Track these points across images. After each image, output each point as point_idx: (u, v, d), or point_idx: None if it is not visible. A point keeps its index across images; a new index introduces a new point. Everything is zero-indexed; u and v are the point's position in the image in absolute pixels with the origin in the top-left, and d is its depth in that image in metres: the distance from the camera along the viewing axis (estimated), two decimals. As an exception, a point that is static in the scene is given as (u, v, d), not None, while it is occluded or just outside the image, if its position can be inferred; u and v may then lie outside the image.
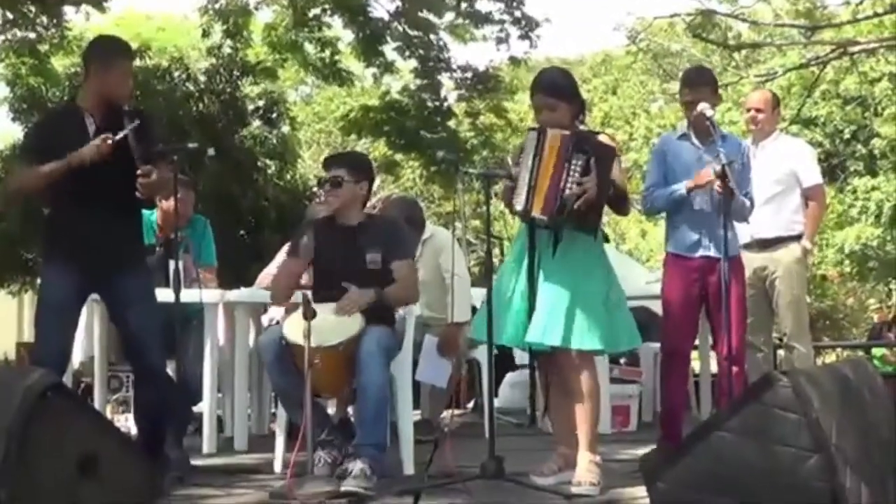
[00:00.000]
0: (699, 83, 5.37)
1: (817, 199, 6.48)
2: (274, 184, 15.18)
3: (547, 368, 4.94)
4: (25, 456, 3.49)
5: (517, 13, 13.00)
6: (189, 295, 5.35)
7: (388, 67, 13.81)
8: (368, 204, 5.49)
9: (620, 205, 4.98)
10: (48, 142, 4.83)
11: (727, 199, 4.94)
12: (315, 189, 14.40)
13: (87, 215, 4.74)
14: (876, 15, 15.50)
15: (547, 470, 4.80)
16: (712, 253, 5.14)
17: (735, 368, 5.01)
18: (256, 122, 15.37)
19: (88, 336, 6.26)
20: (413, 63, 13.82)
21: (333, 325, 4.79)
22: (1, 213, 13.79)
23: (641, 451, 5.46)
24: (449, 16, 13.33)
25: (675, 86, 5.37)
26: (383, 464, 4.78)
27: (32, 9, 12.16)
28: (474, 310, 5.99)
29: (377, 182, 13.94)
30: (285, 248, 5.83)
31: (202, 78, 14.84)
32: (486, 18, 13.15)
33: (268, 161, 15.27)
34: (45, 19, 12.43)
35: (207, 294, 5.81)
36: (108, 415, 6.13)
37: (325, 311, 4.78)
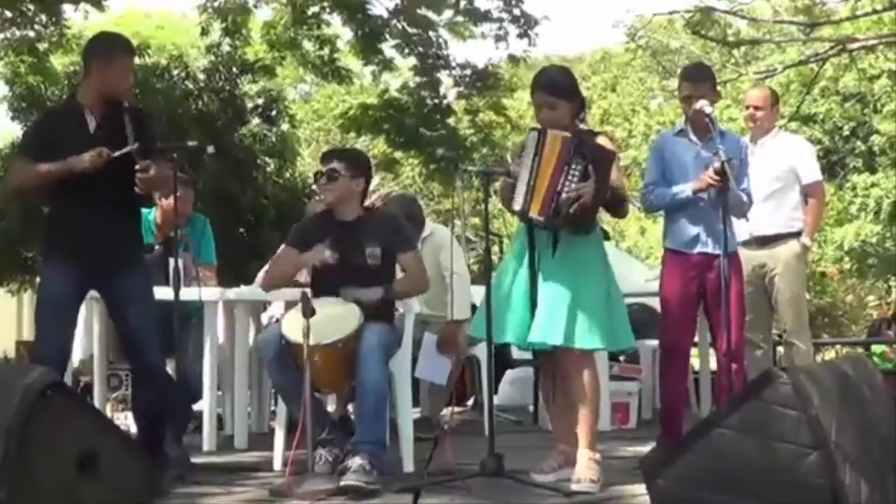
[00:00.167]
0: (699, 78, 5.38)
1: (817, 195, 6.48)
2: (273, 182, 15.18)
3: (549, 366, 4.94)
4: (25, 454, 3.49)
5: (516, 11, 12.98)
6: (188, 293, 5.35)
7: (387, 65, 13.78)
8: (367, 202, 5.48)
9: (618, 208, 4.99)
10: (48, 139, 4.84)
11: (725, 196, 4.94)
12: (313, 185, 14.43)
13: (87, 213, 4.74)
14: (875, 12, 15.48)
15: (547, 467, 4.81)
16: (710, 249, 5.14)
17: (734, 365, 5.01)
18: (256, 120, 15.37)
19: (88, 334, 6.26)
20: (412, 60, 13.79)
21: (332, 322, 4.79)
22: (0, 211, 13.79)
23: (641, 448, 5.47)
24: (448, 13, 13.31)
25: (674, 83, 5.38)
26: (383, 461, 4.78)
27: (31, 7, 12.14)
28: (474, 307, 5.99)
29: (376, 180, 13.93)
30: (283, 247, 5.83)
31: (201, 76, 14.83)
32: (484, 16, 13.12)
33: (267, 159, 15.27)
34: (44, 18, 12.40)
35: (207, 292, 5.80)
36: (108, 413, 6.14)
37: (323, 307, 4.78)
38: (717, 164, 4.91)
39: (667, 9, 14.43)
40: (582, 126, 4.91)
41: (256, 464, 5.45)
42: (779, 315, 6.34)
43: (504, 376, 8.50)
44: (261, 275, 6.65)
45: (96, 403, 6.07)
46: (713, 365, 6.59)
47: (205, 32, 13.77)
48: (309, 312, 4.58)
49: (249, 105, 15.29)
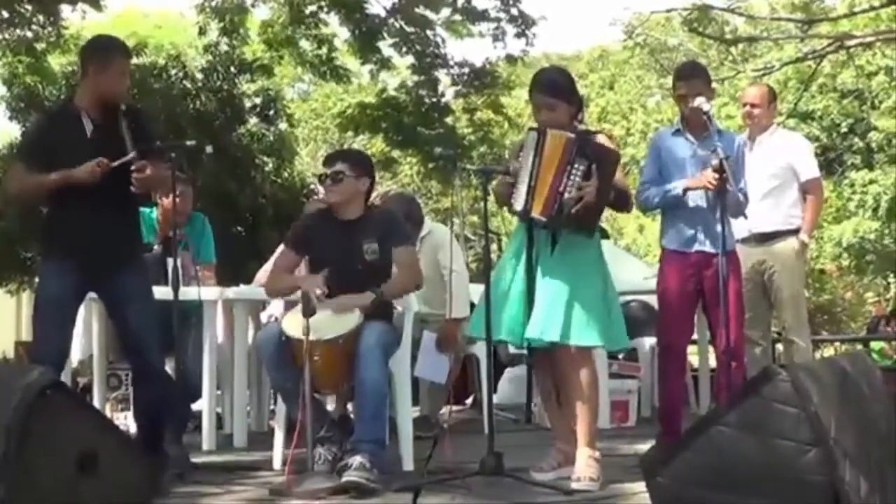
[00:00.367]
0: (692, 76, 5.38)
1: (815, 192, 6.47)
2: (271, 181, 15.18)
3: (545, 364, 4.94)
4: (25, 454, 3.49)
5: (513, 10, 12.99)
6: (188, 292, 5.35)
7: (385, 64, 13.80)
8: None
9: (622, 205, 5.00)
10: (45, 142, 4.84)
11: (723, 194, 4.94)
12: (313, 186, 14.43)
13: (85, 213, 4.74)
14: (872, 9, 15.51)
15: (546, 466, 4.81)
16: (708, 248, 5.15)
17: (734, 363, 5.01)
18: (254, 120, 15.37)
19: (87, 335, 6.26)
20: (410, 59, 13.81)
21: (332, 319, 4.79)
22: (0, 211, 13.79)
23: (640, 446, 5.47)
24: (445, 12, 13.32)
25: (672, 81, 5.38)
26: (382, 459, 4.78)
27: (29, 7, 12.14)
28: (472, 306, 5.99)
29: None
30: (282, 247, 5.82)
31: (199, 75, 14.83)
32: (482, 15, 13.13)
33: (265, 158, 15.27)
34: (41, 18, 12.41)
35: (206, 291, 5.81)
36: (108, 413, 6.13)
37: (323, 306, 4.78)
38: (715, 162, 4.91)
39: (665, 6, 14.46)
40: (580, 126, 4.92)
41: (256, 463, 5.45)
42: (778, 312, 6.34)
43: (503, 375, 8.50)
44: (260, 274, 6.65)
45: (96, 403, 6.07)
46: (712, 363, 6.59)
47: (202, 32, 13.78)
48: (309, 312, 4.58)
49: (247, 104, 15.29)
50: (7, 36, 12.71)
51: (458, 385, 7.28)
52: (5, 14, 12.15)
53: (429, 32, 13.36)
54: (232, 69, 14.78)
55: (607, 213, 5.27)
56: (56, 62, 14.09)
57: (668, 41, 24.30)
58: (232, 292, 6.22)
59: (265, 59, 14.61)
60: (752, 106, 6.44)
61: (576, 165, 4.60)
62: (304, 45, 13.93)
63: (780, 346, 7.35)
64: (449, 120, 14.50)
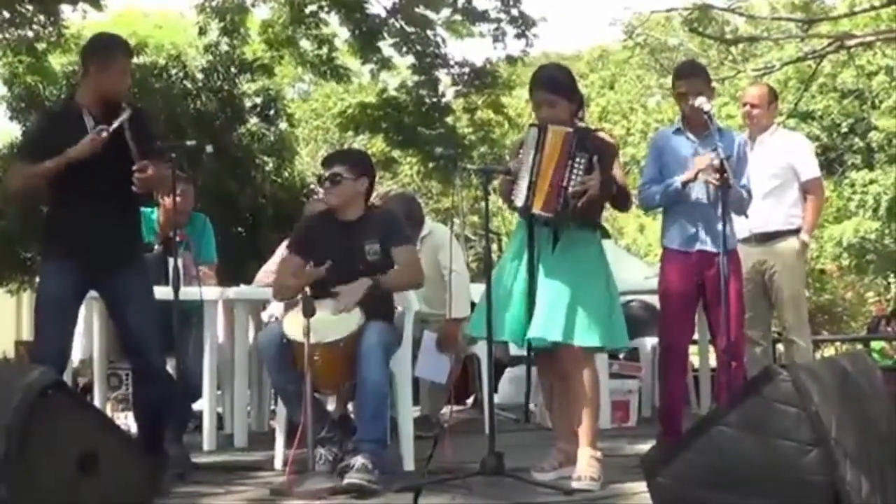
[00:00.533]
0: (692, 74, 5.38)
1: (816, 192, 6.47)
2: (271, 181, 15.19)
3: (546, 365, 4.94)
4: (25, 454, 3.49)
5: (514, 11, 12.99)
6: (188, 292, 5.35)
7: (386, 64, 13.80)
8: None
9: (622, 201, 4.99)
10: (47, 140, 4.84)
11: (724, 193, 4.94)
12: (313, 186, 14.44)
13: (86, 213, 4.74)
14: (873, 8, 15.52)
15: (547, 465, 4.81)
16: (709, 247, 5.14)
17: (734, 363, 5.01)
18: (254, 120, 15.39)
19: (87, 334, 6.26)
20: (410, 59, 13.81)
21: (334, 321, 4.79)
22: (0, 211, 13.80)
23: (641, 446, 5.47)
24: (445, 12, 13.32)
25: (671, 80, 5.38)
26: (383, 460, 4.78)
27: (30, 7, 12.15)
28: (473, 306, 5.99)
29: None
30: (283, 245, 5.82)
31: (199, 75, 14.85)
32: (482, 16, 13.14)
33: (265, 158, 15.29)
34: (42, 18, 12.42)
35: (207, 291, 5.80)
36: (108, 412, 6.13)
37: (324, 307, 4.78)
38: (716, 162, 4.91)
39: (665, 6, 14.45)
40: (581, 123, 4.92)
41: (256, 463, 5.45)
42: (778, 312, 6.34)
43: (504, 374, 8.50)
44: (260, 274, 6.66)
45: (96, 403, 6.07)
46: (713, 362, 6.59)
47: (203, 32, 13.78)
48: (310, 312, 4.58)
49: (248, 104, 15.31)
50: (8, 36, 12.71)
51: (458, 385, 7.28)
52: (6, 14, 12.15)
53: (429, 32, 13.36)
54: (232, 69, 14.80)
55: (608, 212, 5.27)
56: (57, 62, 14.11)
57: (669, 41, 24.30)
58: (232, 292, 6.22)
59: (265, 58, 14.62)
60: (753, 106, 6.43)
61: (577, 159, 4.60)
62: (305, 44, 13.93)
63: (780, 346, 7.35)
64: (449, 120, 14.50)
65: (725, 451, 3.48)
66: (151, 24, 16.58)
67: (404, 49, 13.47)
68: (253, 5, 13.63)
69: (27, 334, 17.97)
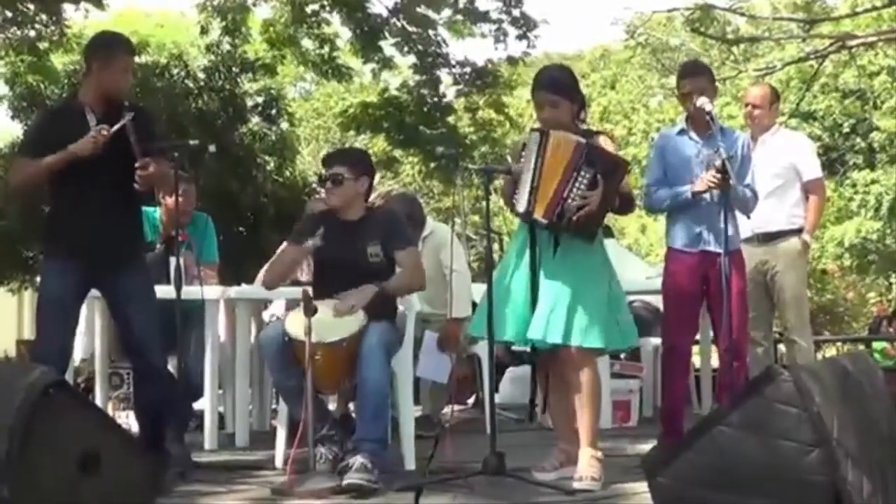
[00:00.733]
0: (697, 73, 5.38)
1: (817, 192, 6.47)
2: (273, 180, 15.20)
3: (548, 365, 4.93)
4: (27, 453, 3.49)
5: (515, 12, 12.99)
6: (190, 292, 5.35)
7: (387, 63, 13.80)
8: (369, 200, 5.48)
9: (625, 209, 5.00)
10: (49, 137, 4.84)
11: (727, 194, 4.94)
12: (315, 186, 14.44)
13: (87, 212, 4.75)
14: (875, 8, 15.52)
15: (548, 465, 4.81)
16: (713, 248, 5.13)
17: (736, 363, 5.01)
18: (255, 119, 15.40)
19: (88, 334, 6.26)
20: (412, 59, 13.81)
21: (335, 321, 4.79)
22: (1, 210, 13.80)
23: (642, 446, 5.46)
24: (447, 12, 13.32)
25: (673, 80, 5.40)
26: (384, 459, 4.78)
27: (32, 6, 12.16)
28: (474, 305, 5.99)
29: (376, 178, 13.94)
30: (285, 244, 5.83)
31: (201, 75, 14.86)
32: (483, 17, 13.14)
33: (267, 157, 15.30)
34: (44, 17, 12.42)
35: (208, 290, 5.80)
36: (110, 412, 6.13)
37: (326, 307, 4.78)
38: (717, 162, 4.91)
39: (666, 6, 14.44)
40: (582, 125, 4.91)
41: (258, 462, 5.45)
42: (780, 312, 6.33)
43: (505, 374, 8.50)
44: (261, 275, 6.65)
45: (98, 402, 6.07)
46: (714, 363, 6.59)
47: (204, 31, 13.79)
48: (311, 311, 4.58)
49: (249, 104, 15.32)
50: (10, 35, 12.72)
51: (461, 385, 7.28)
52: (8, 13, 12.16)
53: (430, 32, 13.36)
54: (234, 68, 14.81)
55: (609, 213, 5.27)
56: (58, 61, 14.11)
57: (670, 41, 24.30)
58: (234, 291, 6.22)
59: (267, 58, 14.63)
60: (754, 106, 6.43)
61: (582, 173, 4.60)
62: (306, 44, 13.94)
63: (782, 347, 7.34)
64: (450, 119, 14.50)
65: (727, 452, 3.48)
66: (153, 24, 16.59)
67: (406, 49, 13.47)
68: (254, 4, 13.64)
69: (29, 333, 17.96)
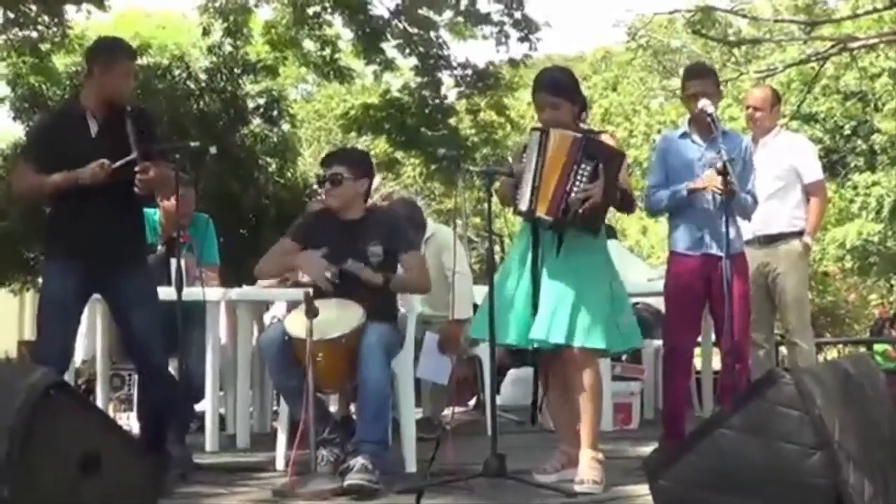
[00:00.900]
0: (703, 75, 5.37)
1: (819, 194, 6.47)
2: (274, 182, 15.20)
3: (549, 366, 4.93)
4: (28, 454, 3.49)
5: (517, 14, 12.99)
6: (191, 293, 5.35)
7: (389, 65, 13.81)
8: (370, 201, 5.48)
9: (626, 206, 4.99)
10: (50, 141, 4.86)
11: (728, 197, 4.93)
12: (315, 186, 14.45)
13: (89, 214, 4.75)
14: (875, 10, 15.51)
15: (549, 468, 4.80)
16: (715, 251, 5.12)
17: (738, 365, 5.00)
18: (257, 120, 15.41)
19: (90, 335, 6.26)
20: (413, 61, 13.82)
21: (335, 319, 4.80)
22: (2, 211, 13.81)
23: (644, 448, 5.46)
24: (448, 14, 13.33)
25: (675, 82, 5.39)
26: (385, 461, 4.78)
27: (33, 8, 12.17)
28: (475, 307, 5.99)
29: (377, 180, 13.98)
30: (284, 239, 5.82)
31: (203, 76, 14.86)
32: (485, 19, 13.14)
33: (268, 159, 15.30)
34: (46, 18, 12.43)
35: (210, 292, 5.81)
36: (111, 413, 6.14)
37: (326, 307, 4.78)
38: (718, 165, 4.90)
39: (668, 8, 14.47)
40: (583, 126, 4.91)
41: (259, 464, 5.45)
42: (781, 315, 6.32)
43: (506, 376, 8.50)
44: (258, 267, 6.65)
45: (99, 403, 6.07)
46: (715, 365, 6.58)
47: (206, 32, 13.79)
48: (312, 313, 4.58)
49: (251, 105, 15.32)
50: (11, 36, 12.73)
51: (462, 386, 7.27)
52: (10, 14, 12.17)
53: (432, 34, 13.37)
54: (235, 70, 14.81)
55: (611, 214, 5.27)
56: (60, 62, 14.12)
57: (672, 43, 24.29)
58: (235, 293, 6.23)
59: (269, 59, 14.63)
60: (756, 108, 6.43)
61: (582, 166, 4.60)
62: (308, 45, 13.95)
63: (783, 349, 7.33)
64: (452, 121, 14.51)
65: (728, 454, 3.48)
66: (154, 25, 16.61)
67: (407, 50, 13.49)
68: (256, 6, 13.65)
69: (30, 334, 17.97)
